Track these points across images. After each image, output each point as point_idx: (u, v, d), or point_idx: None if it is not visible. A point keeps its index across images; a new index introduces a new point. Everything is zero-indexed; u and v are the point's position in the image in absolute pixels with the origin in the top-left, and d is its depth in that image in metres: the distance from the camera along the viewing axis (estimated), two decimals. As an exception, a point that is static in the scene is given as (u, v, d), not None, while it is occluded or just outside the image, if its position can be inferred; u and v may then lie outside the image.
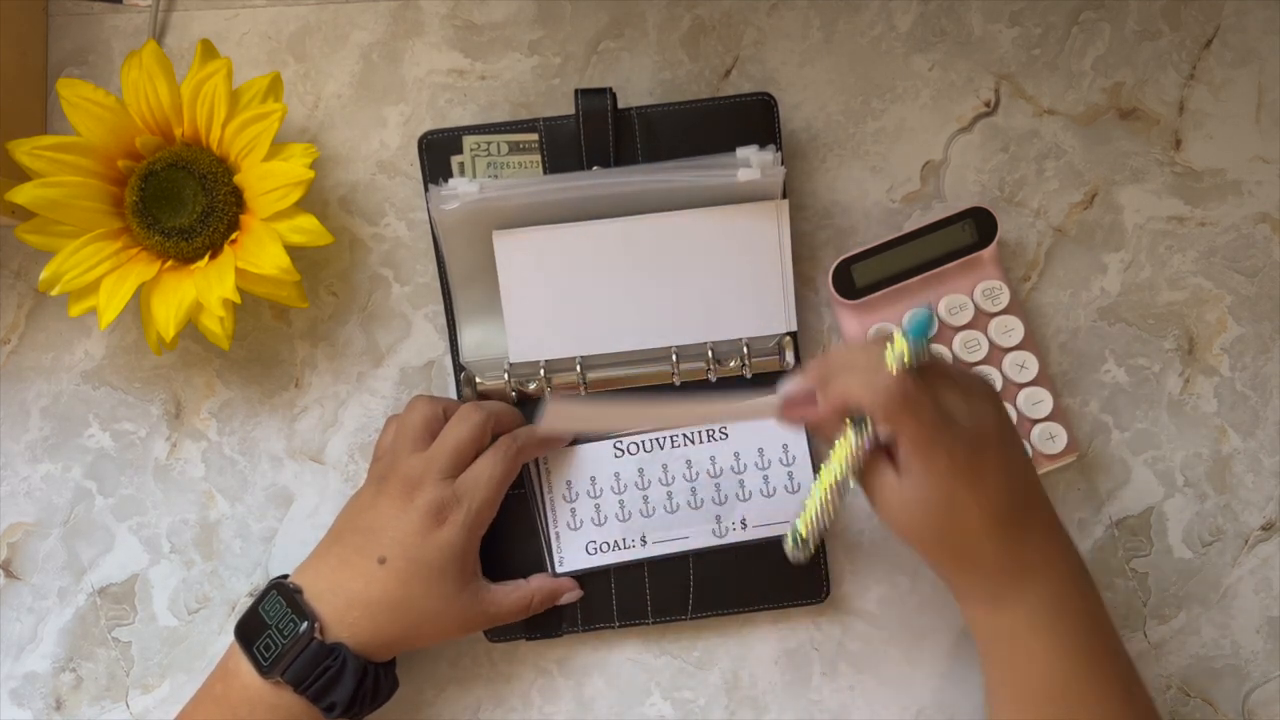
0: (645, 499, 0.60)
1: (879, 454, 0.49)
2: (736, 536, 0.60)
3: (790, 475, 0.60)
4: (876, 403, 0.47)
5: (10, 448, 0.62)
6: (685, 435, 0.60)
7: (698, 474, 0.60)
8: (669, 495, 0.60)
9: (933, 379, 0.48)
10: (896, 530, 0.50)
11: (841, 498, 0.49)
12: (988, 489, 0.48)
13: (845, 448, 0.49)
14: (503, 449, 0.56)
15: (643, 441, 0.60)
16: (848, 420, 0.49)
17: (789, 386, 0.50)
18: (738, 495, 0.60)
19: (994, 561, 0.49)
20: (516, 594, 0.57)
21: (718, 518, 0.60)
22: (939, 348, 0.60)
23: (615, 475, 0.60)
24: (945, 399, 0.48)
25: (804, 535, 0.50)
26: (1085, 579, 0.51)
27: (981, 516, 0.48)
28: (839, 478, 0.49)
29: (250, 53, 0.63)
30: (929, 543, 0.50)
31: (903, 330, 0.47)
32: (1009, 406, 0.60)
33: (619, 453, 0.60)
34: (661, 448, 0.60)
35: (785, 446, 0.60)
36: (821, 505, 0.49)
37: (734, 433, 0.60)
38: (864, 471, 0.50)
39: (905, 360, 0.47)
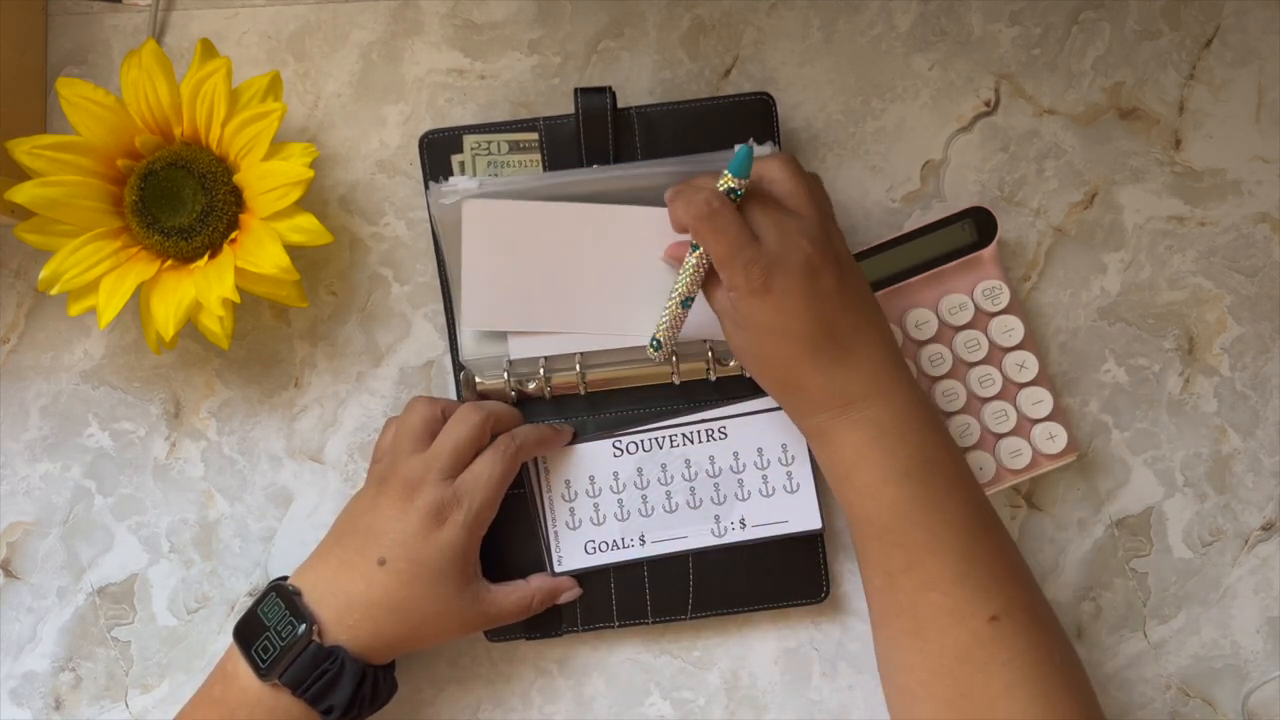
0: (644, 498, 0.60)
1: (715, 277, 0.53)
2: (735, 536, 0.59)
3: (789, 475, 0.60)
4: (688, 220, 0.52)
5: (10, 447, 0.62)
6: (684, 435, 0.60)
7: (696, 473, 0.60)
8: (668, 495, 0.60)
9: (757, 207, 0.52)
10: (738, 355, 0.54)
11: (684, 308, 0.54)
12: (790, 312, 0.50)
13: (688, 265, 0.53)
14: (501, 448, 0.56)
15: (641, 441, 0.60)
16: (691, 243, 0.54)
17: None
18: (736, 495, 0.60)
19: (819, 390, 0.52)
20: (516, 594, 0.57)
21: (716, 517, 0.60)
22: (929, 327, 0.60)
23: (614, 474, 0.60)
24: (759, 223, 0.51)
25: (659, 339, 0.56)
26: (921, 416, 0.52)
27: (791, 341, 0.51)
28: (682, 292, 0.54)
29: (250, 52, 0.63)
30: (760, 365, 0.53)
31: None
32: (1009, 406, 0.60)
33: (618, 452, 0.60)
34: (660, 447, 0.60)
35: (784, 446, 0.60)
36: (670, 315, 0.55)
37: (733, 432, 0.60)
38: (710, 295, 0.54)
39: (723, 186, 0.51)
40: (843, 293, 0.52)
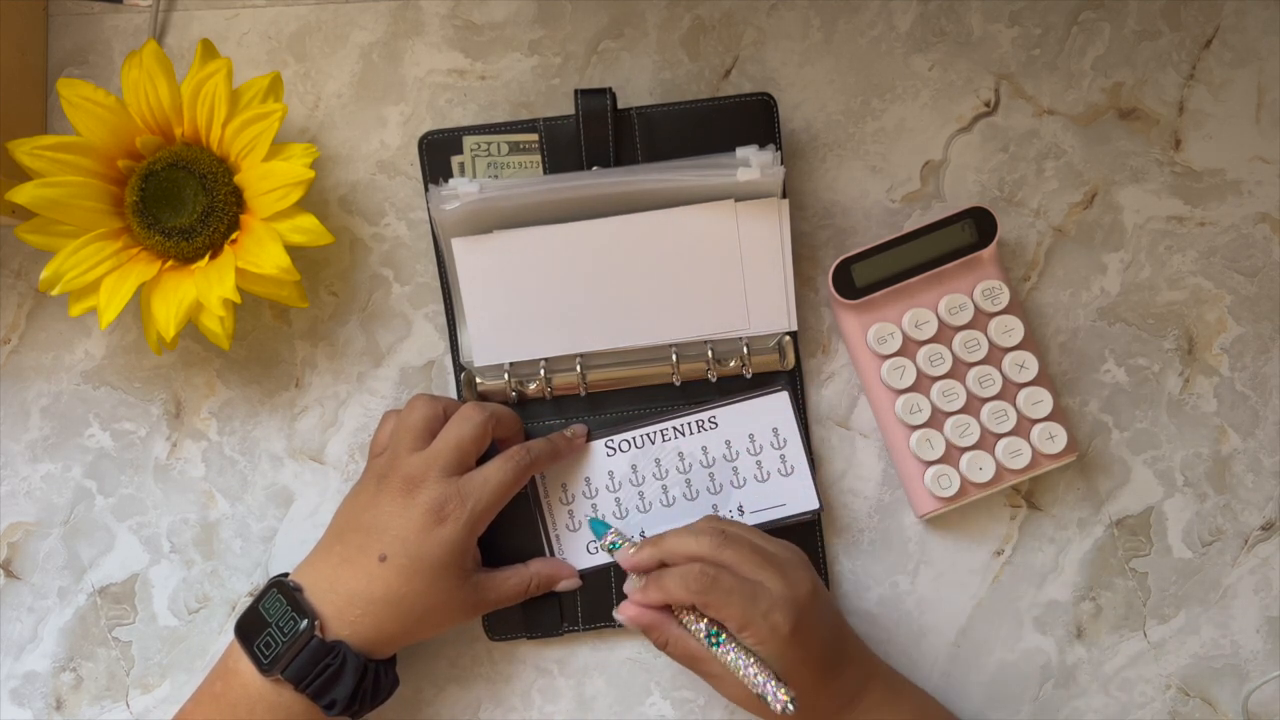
0: (641, 495, 0.60)
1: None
2: None
3: (783, 458, 0.60)
4: (692, 597, 0.51)
5: (10, 447, 0.62)
6: (675, 428, 0.60)
7: (690, 465, 0.60)
8: (664, 489, 0.60)
9: (732, 549, 0.52)
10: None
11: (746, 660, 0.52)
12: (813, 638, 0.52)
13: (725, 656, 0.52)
14: (515, 458, 0.56)
15: (634, 438, 0.60)
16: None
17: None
18: (732, 482, 0.60)
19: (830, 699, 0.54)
20: (515, 579, 0.58)
21: (714, 506, 0.60)
22: (929, 327, 0.60)
23: (609, 474, 0.60)
24: (746, 567, 0.52)
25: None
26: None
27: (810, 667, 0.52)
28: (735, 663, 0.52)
29: (250, 53, 0.63)
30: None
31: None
32: (1009, 406, 0.59)
33: (611, 451, 0.60)
34: (652, 443, 0.60)
35: (775, 430, 0.60)
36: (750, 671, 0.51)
37: (723, 421, 0.60)
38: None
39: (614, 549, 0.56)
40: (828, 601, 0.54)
